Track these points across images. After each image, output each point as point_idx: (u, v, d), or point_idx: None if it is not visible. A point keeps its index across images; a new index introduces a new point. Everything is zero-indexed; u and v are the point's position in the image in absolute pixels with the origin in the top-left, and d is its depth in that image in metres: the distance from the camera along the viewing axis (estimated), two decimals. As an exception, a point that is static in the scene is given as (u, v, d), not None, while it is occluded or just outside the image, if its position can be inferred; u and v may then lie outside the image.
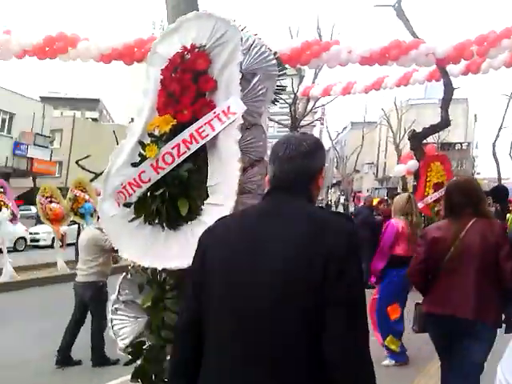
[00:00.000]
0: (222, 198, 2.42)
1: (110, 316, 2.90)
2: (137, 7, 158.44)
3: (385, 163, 61.45)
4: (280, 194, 1.61)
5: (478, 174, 51.97)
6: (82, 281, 5.91)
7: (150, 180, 2.56)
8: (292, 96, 23.29)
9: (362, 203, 14.66)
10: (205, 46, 2.59)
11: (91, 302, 5.91)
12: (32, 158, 31.12)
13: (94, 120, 50.45)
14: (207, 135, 2.48)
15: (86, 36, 8.21)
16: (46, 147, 33.44)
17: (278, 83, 2.86)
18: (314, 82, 21.11)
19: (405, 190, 25.36)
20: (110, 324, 2.89)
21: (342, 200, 46.79)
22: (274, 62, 2.74)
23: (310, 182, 1.63)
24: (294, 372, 1.39)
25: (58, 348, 5.95)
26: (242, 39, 2.56)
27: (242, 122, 2.46)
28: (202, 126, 2.48)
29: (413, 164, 11.20)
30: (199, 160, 2.56)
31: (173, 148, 2.50)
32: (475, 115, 57.56)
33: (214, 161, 2.52)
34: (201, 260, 1.64)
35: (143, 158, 2.59)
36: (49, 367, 5.85)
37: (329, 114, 38.82)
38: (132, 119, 2.88)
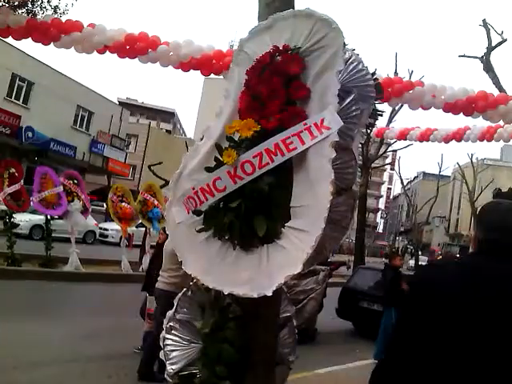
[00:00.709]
0: (307, 224, 2.10)
1: (163, 334, 2.65)
2: (214, 26, 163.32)
3: (457, 219, 59.33)
4: (501, 257, 1.64)
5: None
6: (160, 288, 5.79)
7: (225, 189, 2.26)
8: (365, 135, 22.83)
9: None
10: (300, 48, 2.30)
11: (158, 312, 5.71)
12: (108, 158, 32.31)
13: (168, 131, 52.07)
14: (295, 148, 2.16)
15: (166, 40, 8.13)
16: (122, 149, 34.71)
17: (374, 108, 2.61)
18: (388, 126, 20.66)
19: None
20: (162, 343, 2.65)
21: (410, 250, 45.29)
22: (372, 82, 2.49)
23: None
24: None
25: (103, 350, 5.84)
26: (344, 45, 2.27)
27: (337, 139, 2.14)
28: (289, 137, 2.17)
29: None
30: (284, 176, 2.25)
31: (254, 157, 2.19)
32: None
33: (301, 179, 2.20)
34: (417, 305, 1.64)
35: (219, 164, 2.30)
36: (94, 371, 5.66)
37: (400, 160, 37.92)
38: (203, 137, 2.61)
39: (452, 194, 60.99)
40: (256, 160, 2.18)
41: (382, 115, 2.86)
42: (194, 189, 2.35)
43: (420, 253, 35.10)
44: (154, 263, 6.62)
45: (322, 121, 2.15)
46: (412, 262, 33.97)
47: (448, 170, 51.75)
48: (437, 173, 39.44)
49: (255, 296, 2.04)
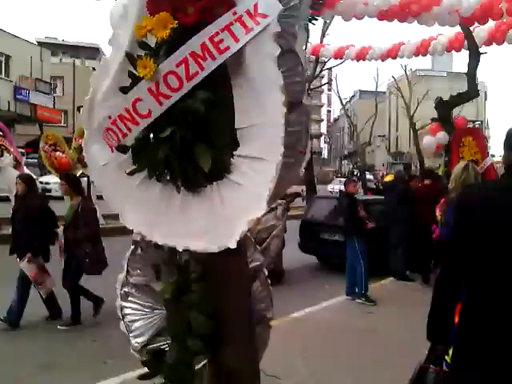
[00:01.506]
0: (261, 149, 1.66)
1: (119, 302, 2.24)
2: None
3: (397, 137, 60.51)
4: None
5: (493, 156, 50.81)
6: None
7: (149, 113, 1.73)
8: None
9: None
10: None
11: None
12: (35, 105, 29.87)
13: (95, 69, 48.48)
14: (227, 48, 1.64)
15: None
16: (49, 94, 32.13)
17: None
18: (321, 42, 20.01)
19: (421, 167, 24.42)
20: (120, 313, 2.24)
21: (355, 172, 46.28)
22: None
23: None
24: None
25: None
26: None
27: (279, 29, 1.67)
28: (218, 34, 1.64)
29: (442, 137, 10.05)
30: (222, 89, 1.73)
31: (178, 65, 1.65)
32: (485, 92, 56.53)
33: (244, 91, 1.70)
34: (466, 222, 1.93)
35: (135, 79, 1.74)
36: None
37: (337, 80, 37.42)
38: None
39: (389, 111, 61.87)
40: (181, 70, 1.64)
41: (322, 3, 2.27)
42: (110, 118, 1.81)
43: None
44: (17, 219, 5.93)
45: (256, 7, 1.65)
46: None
47: (383, 86, 52.01)
48: (373, 89, 39.36)
49: (216, 250, 1.68)
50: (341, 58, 16.27)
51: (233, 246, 1.66)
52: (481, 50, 10.78)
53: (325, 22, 21.79)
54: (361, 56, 14.86)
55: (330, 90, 66.43)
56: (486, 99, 57.38)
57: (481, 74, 74.21)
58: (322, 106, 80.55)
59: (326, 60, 22.74)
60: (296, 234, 9.98)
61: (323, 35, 21.94)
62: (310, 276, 9.15)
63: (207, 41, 1.62)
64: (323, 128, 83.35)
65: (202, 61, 1.61)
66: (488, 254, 1.82)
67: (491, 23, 11.22)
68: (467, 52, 10.76)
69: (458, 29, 11.15)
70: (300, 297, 7.25)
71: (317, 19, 2.53)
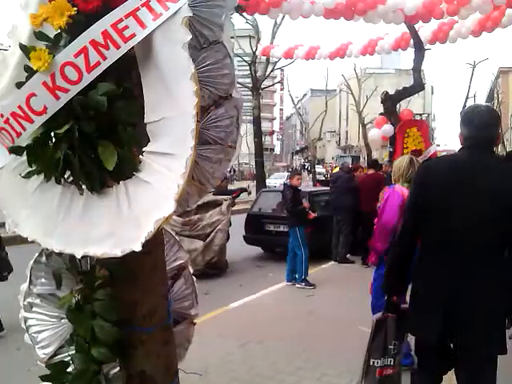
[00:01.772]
0: (172, 144, 1.53)
1: (22, 314, 2.11)
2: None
3: (346, 132, 62.23)
4: (480, 148, 2.35)
5: (438, 145, 53.02)
6: None
7: (45, 109, 1.56)
8: (251, 57, 22.43)
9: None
10: None
11: None
12: None
13: None
14: (133, 36, 1.51)
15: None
16: None
17: None
18: (272, 43, 20.32)
19: (369, 158, 25.14)
20: (23, 325, 2.11)
21: (307, 166, 46.86)
22: None
23: (496, 143, 2.47)
24: (497, 253, 2.30)
25: None
26: None
27: (190, 13, 1.54)
28: (122, 20, 1.51)
29: (388, 129, 10.39)
30: (128, 80, 1.62)
31: (77, 55, 1.50)
32: (432, 87, 58.57)
33: (153, 81, 1.57)
34: (422, 189, 2.42)
35: (31, 73, 1.57)
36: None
37: (289, 80, 38.23)
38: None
39: (340, 107, 63.30)
40: (81, 60, 1.49)
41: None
42: (3, 116, 1.62)
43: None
44: None
45: (166, -10, 1.51)
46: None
47: (334, 84, 53.05)
48: (324, 88, 40.25)
49: (119, 254, 1.52)
50: (291, 58, 16.48)
51: (138, 249, 1.53)
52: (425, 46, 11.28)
53: (275, 23, 22.14)
54: (310, 55, 15.06)
55: (282, 89, 67.19)
56: (432, 93, 59.37)
57: (428, 69, 76.41)
58: (274, 105, 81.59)
59: (277, 60, 23.09)
60: (241, 228, 10.08)
61: (273, 37, 22.37)
62: (254, 266, 9.22)
63: (110, 28, 1.49)
64: (276, 126, 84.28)
65: (105, 50, 1.48)
66: (436, 211, 2.34)
67: (435, 24, 11.77)
68: (413, 49, 11.23)
69: (404, 28, 11.58)
70: (242, 287, 7.30)
71: (244, 10, 2.41)
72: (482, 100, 51.30)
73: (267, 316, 5.75)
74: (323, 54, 14.58)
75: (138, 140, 1.60)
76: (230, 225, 8.63)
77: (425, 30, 11.76)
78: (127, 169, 1.59)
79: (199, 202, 8.59)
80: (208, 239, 8.05)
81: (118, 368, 1.90)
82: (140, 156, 1.60)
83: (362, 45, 13.63)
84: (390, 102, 10.72)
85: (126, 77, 1.61)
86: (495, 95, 47.26)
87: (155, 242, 1.80)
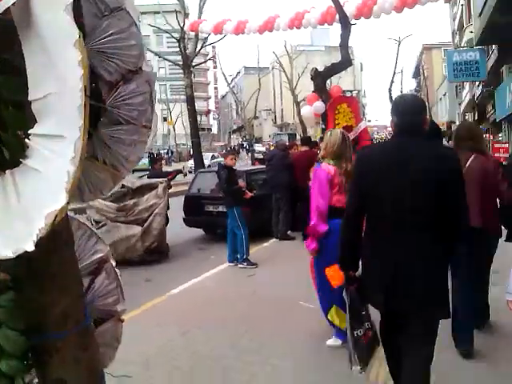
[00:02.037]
0: (59, 124, 1.28)
1: None
2: None
3: (282, 110, 62.75)
4: (408, 134, 2.61)
5: (369, 121, 54.76)
6: None
7: None
8: (180, 33, 21.83)
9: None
10: None
11: None
12: None
13: None
14: None
15: None
16: None
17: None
18: (199, 18, 19.88)
19: (305, 135, 25.43)
20: None
21: (245, 145, 46.75)
22: None
23: (423, 128, 2.67)
24: (430, 226, 2.52)
25: None
26: None
27: None
28: None
29: (319, 106, 10.45)
30: (8, 51, 1.36)
31: None
32: (361, 64, 59.98)
33: (34, 53, 1.31)
34: (363, 172, 2.70)
35: None
36: None
37: (221, 58, 37.79)
38: None
39: (273, 85, 63.65)
40: None
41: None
42: None
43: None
44: None
45: None
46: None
47: (266, 62, 53.05)
48: (257, 65, 40.16)
49: (11, 255, 1.29)
50: (220, 33, 16.21)
51: (30, 248, 1.32)
52: (351, 22, 11.33)
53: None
54: (239, 30, 14.93)
55: (215, 67, 66.41)
56: (361, 70, 60.92)
57: (357, 46, 78.20)
58: (208, 84, 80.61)
59: (206, 36, 22.66)
60: (180, 210, 9.91)
61: (200, 11, 21.83)
62: (196, 249, 9.07)
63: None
64: (212, 105, 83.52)
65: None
66: (377, 190, 2.59)
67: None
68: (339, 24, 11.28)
69: (330, 2, 11.62)
70: (184, 271, 7.12)
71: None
72: (408, 75, 53.31)
73: (209, 300, 5.65)
74: (252, 28, 14.52)
75: (23, 121, 1.36)
76: (168, 208, 8.42)
77: (350, 4, 11.92)
78: (13, 155, 1.36)
79: (135, 186, 8.34)
80: (146, 224, 7.79)
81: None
82: (27, 140, 1.36)
83: (289, 18, 13.66)
84: (320, 79, 10.77)
85: (5, 48, 1.36)
86: (421, 70, 49.22)
87: (60, 237, 1.61)
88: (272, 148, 21.21)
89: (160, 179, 8.41)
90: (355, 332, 2.84)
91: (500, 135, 20.19)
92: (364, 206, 2.68)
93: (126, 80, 1.68)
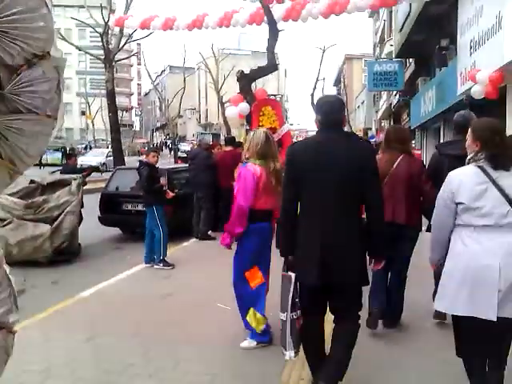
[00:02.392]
0: None
1: None
2: None
3: (206, 109, 62.74)
4: (330, 129, 3.05)
5: (291, 125, 56.05)
6: None
7: None
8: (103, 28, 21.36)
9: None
10: None
11: None
12: None
13: None
14: None
15: None
16: None
17: None
18: (126, 13, 19.49)
19: (228, 135, 25.46)
20: None
21: (168, 143, 46.12)
22: None
23: (343, 124, 3.18)
24: (351, 210, 2.98)
25: None
26: None
27: None
28: None
29: (244, 107, 10.46)
30: None
31: None
32: (285, 70, 61.50)
33: None
34: (293, 165, 3.04)
35: None
36: None
37: (146, 55, 37.31)
38: None
39: (199, 85, 63.62)
40: None
41: None
42: None
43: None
44: None
45: None
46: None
47: (192, 62, 52.88)
48: (182, 65, 39.90)
49: None
50: (147, 29, 15.86)
51: None
52: (279, 28, 11.44)
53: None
54: (167, 26, 14.68)
55: (139, 64, 65.57)
56: (285, 76, 62.36)
57: (282, 53, 79.79)
58: (131, 80, 79.16)
59: (131, 32, 22.39)
60: (96, 208, 9.47)
61: (127, 7, 21.55)
62: (112, 249, 8.68)
63: None
64: (134, 101, 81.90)
65: None
66: (304, 180, 2.97)
67: (288, 3, 12.09)
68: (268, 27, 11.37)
69: (259, 4, 11.69)
70: (97, 272, 6.73)
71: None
72: (330, 83, 55.16)
73: (122, 303, 5.32)
74: (181, 26, 14.32)
75: None
76: (83, 206, 7.98)
77: (278, 7, 12.05)
78: None
79: (46, 182, 7.81)
80: (56, 223, 7.29)
81: None
82: None
83: (218, 17, 13.62)
84: (246, 81, 10.81)
85: None
86: (342, 79, 51.18)
87: None
88: (195, 147, 21.03)
89: (74, 175, 7.94)
90: (293, 314, 3.04)
91: (413, 142, 21.29)
92: (297, 194, 3.01)
93: (30, 65, 1.53)
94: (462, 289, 2.74)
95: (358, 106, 49.93)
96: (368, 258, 3.12)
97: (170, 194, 7.39)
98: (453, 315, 2.90)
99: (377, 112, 37.19)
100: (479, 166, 2.79)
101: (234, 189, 8.47)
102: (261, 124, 9.79)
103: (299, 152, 3.07)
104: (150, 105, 77.73)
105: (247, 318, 4.13)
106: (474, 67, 10.04)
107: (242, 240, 4.03)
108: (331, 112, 3.04)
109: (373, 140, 17.85)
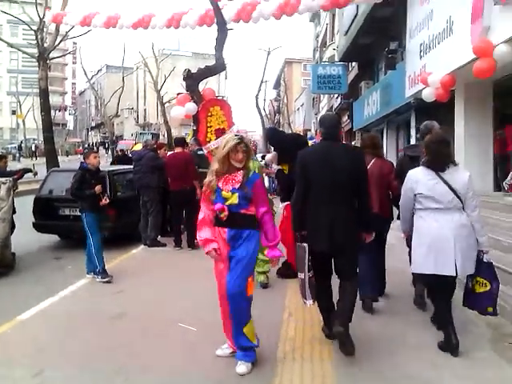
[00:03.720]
0: None
1: None
2: None
3: (145, 109, 61.49)
4: (330, 139, 4.09)
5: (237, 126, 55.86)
6: None
7: None
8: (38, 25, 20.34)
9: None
10: None
11: None
12: None
13: None
14: None
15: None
16: None
17: None
18: (63, 9, 18.56)
19: (169, 136, 24.77)
20: None
21: (106, 143, 44.69)
22: None
23: (339, 134, 4.34)
24: (348, 198, 3.94)
25: None
26: None
27: None
28: None
29: (191, 107, 9.93)
30: None
31: None
32: (226, 72, 61.57)
33: None
34: (304, 167, 3.99)
35: None
36: None
37: (82, 54, 35.91)
38: None
39: (137, 85, 62.36)
40: None
41: None
42: None
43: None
44: None
45: None
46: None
47: (131, 62, 51.76)
48: (120, 65, 38.90)
49: None
50: (88, 26, 15.04)
51: None
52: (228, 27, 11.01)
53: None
54: (109, 24, 14.00)
55: (74, 62, 63.99)
56: (226, 78, 62.33)
57: (224, 55, 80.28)
58: (66, 79, 76.62)
59: (67, 30, 21.72)
60: (30, 213, 8.65)
61: (65, 4, 20.55)
62: (49, 259, 7.87)
63: None
64: (68, 100, 79.30)
65: None
66: (312, 178, 3.92)
67: (239, 3, 11.73)
68: (210, 34, 10.98)
69: (208, 5, 11.27)
70: (37, 288, 5.97)
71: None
72: (270, 85, 55.49)
73: (68, 327, 4.63)
74: (125, 24, 13.67)
75: None
76: (15, 212, 7.20)
77: (229, 8, 11.68)
78: None
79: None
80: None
81: None
82: None
83: (166, 18, 13.13)
84: (192, 80, 10.30)
85: None
86: (282, 82, 51.69)
87: None
88: (135, 147, 20.14)
89: (3, 179, 7.05)
90: (310, 273, 3.96)
91: (353, 143, 21.58)
92: (308, 188, 3.95)
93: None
94: (429, 255, 3.93)
95: (298, 109, 50.57)
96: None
97: (103, 202, 6.45)
98: (420, 275, 4.28)
99: (316, 114, 37.63)
100: (428, 167, 4.03)
101: (186, 191, 8.13)
102: (209, 125, 9.30)
103: (309, 156, 4.09)
104: (85, 104, 75.26)
105: (245, 332, 3.68)
106: (425, 70, 10.10)
107: (253, 243, 3.72)
108: (330, 126, 4.13)
109: (312, 141, 17.88)
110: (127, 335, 4.40)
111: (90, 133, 65.35)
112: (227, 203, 3.61)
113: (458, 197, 3.92)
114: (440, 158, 3.95)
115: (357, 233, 3.99)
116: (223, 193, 3.63)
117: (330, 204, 3.86)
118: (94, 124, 64.35)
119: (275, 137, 7.09)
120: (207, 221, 3.73)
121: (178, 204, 8.51)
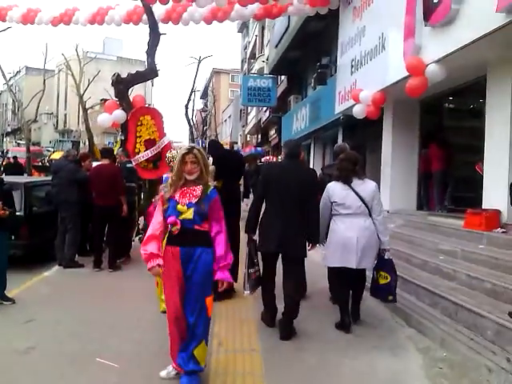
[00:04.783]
0: None
1: None
2: None
3: (65, 115, 58.65)
4: (291, 158, 4.95)
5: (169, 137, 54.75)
6: None
7: None
8: None
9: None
10: None
11: None
12: None
13: None
14: None
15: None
16: None
17: None
18: None
19: (91, 144, 23.56)
20: None
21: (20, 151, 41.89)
22: None
23: (299, 156, 5.12)
24: (299, 212, 4.69)
25: None
26: None
27: None
28: None
29: (120, 114, 9.24)
30: None
31: None
32: (152, 80, 60.64)
33: None
34: (267, 178, 4.84)
35: None
36: None
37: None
38: None
39: (58, 89, 59.63)
40: None
41: None
42: None
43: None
44: None
45: None
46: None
47: (53, 63, 49.35)
48: (41, 67, 36.79)
49: None
50: (3, 21, 13.92)
51: None
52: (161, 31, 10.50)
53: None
54: (28, 19, 13.00)
55: None
56: (152, 85, 61.24)
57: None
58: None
59: None
60: None
61: None
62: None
63: None
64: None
65: None
66: (273, 189, 4.73)
67: (170, 4, 11.34)
68: (137, 38, 10.49)
69: (138, 2, 10.82)
70: None
71: None
72: (198, 95, 55.04)
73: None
74: (44, 19, 12.75)
75: None
76: None
77: (159, 8, 11.24)
78: None
79: None
80: None
81: None
82: None
83: (91, 12, 12.38)
84: (122, 86, 9.64)
85: None
86: (209, 92, 51.45)
87: None
88: (53, 155, 18.93)
89: None
90: (250, 270, 4.86)
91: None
92: (264, 196, 4.80)
93: None
94: (337, 251, 4.82)
95: (225, 120, 50.44)
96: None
97: (1, 212, 5.47)
98: (330, 268, 5.18)
99: (243, 127, 37.60)
100: (337, 180, 4.96)
101: (112, 207, 7.48)
102: (139, 135, 8.79)
103: (270, 171, 5.01)
104: (2, 108, 70.79)
105: (195, 353, 3.50)
106: (355, 87, 10.16)
107: (208, 262, 3.56)
108: (292, 147, 5.02)
109: (264, 159, 17.89)
110: (37, 373, 3.80)
111: (5, 139, 61.42)
112: (181, 217, 3.47)
113: (366, 204, 4.82)
114: (344, 173, 4.89)
115: (303, 241, 4.72)
116: (179, 206, 3.47)
117: (283, 213, 4.63)
118: (9, 129, 60.50)
119: (219, 151, 6.69)
120: (156, 235, 3.53)
121: (102, 220, 7.77)
